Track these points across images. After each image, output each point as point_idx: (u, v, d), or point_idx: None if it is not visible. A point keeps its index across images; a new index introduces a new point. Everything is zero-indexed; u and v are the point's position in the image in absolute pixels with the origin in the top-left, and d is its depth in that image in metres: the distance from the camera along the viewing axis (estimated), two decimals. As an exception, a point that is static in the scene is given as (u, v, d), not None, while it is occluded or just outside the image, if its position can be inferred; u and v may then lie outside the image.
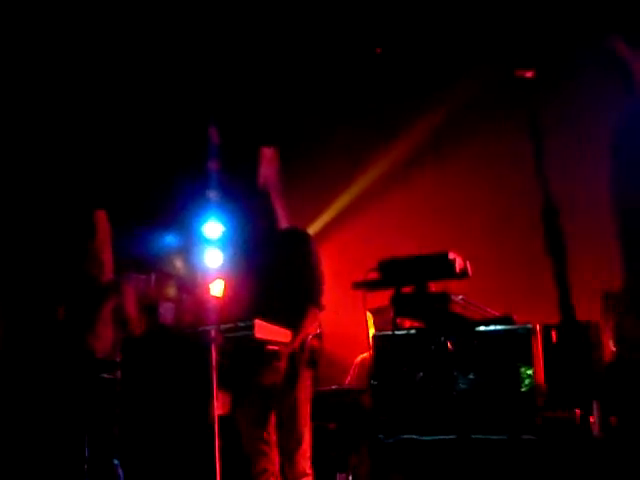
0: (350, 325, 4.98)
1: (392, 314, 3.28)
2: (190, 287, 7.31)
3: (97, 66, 6.06)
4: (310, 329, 3.74)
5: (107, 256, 4.55)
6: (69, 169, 6.28)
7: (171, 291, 7.29)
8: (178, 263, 7.48)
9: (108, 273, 4.54)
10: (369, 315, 5.27)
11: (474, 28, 5.98)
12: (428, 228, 6.53)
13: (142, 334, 4.25)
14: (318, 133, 7.12)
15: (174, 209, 7.17)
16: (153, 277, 4.73)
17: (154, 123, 6.77)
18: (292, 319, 3.64)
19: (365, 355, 5.94)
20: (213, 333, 3.25)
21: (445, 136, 6.72)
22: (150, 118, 6.73)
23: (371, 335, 5.47)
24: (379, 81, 6.78)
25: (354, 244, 6.71)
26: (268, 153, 3.81)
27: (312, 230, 6.40)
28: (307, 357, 3.72)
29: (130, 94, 6.45)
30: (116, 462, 3.82)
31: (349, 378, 5.96)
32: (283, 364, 3.57)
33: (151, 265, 6.50)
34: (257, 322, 3.33)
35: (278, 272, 3.73)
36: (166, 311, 6.84)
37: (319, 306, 3.74)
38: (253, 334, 3.31)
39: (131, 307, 4.39)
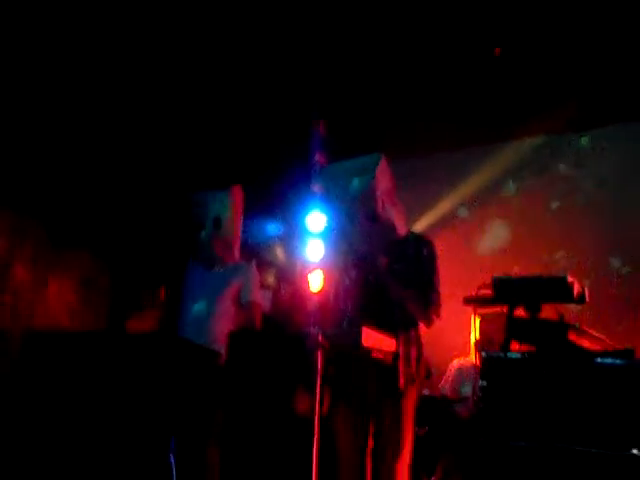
0: (449, 328, 4.91)
1: (504, 333, 3.19)
2: (289, 277, 7.40)
3: (203, 52, 6.13)
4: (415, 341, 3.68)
5: (236, 236, 4.57)
6: (181, 154, 6.41)
7: (270, 279, 7.38)
8: (279, 252, 7.53)
9: (235, 254, 4.55)
10: (476, 319, 5.21)
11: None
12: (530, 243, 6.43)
13: (248, 328, 4.24)
14: (422, 134, 7.05)
15: (278, 198, 7.21)
16: (253, 264, 4.72)
17: (262, 110, 6.81)
18: (403, 328, 3.58)
19: (462, 360, 5.87)
20: (320, 338, 3.20)
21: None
22: (257, 105, 6.77)
23: (474, 339, 5.44)
24: (494, 82, 6.63)
25: (453, 251, 6.63)
26: (383, 161, 3.74)
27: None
28: (423, 372, 3.67)
29: (237, 82, 6.51)
30: (172, 460, 3.85)
31: (443, 382, 5.89)
32: (390, 373, 3.52)
33: (251, 252, 6.51)
34: (365, 329, 3.27)
35: (394, 278, 3.66)
36: (264, 299, 6.91)
37: (437, 311, 3.68)
38: (360, 341, 3.25)
39: (256, 292, 4.40)
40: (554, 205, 6.73)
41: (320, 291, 6.95)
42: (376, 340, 3.38)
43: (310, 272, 7.08)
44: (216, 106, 6.58)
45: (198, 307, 4.43)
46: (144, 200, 6.12)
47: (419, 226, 6.95)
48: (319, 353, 3.21)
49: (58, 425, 3.56)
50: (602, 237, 6.31)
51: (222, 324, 4.34)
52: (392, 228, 3.73)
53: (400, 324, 3.61)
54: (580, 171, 6.69)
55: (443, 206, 7.14)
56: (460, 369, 5.82)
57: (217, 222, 4.50)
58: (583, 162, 6.68)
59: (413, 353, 3.66)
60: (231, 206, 4.57)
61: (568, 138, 6.74)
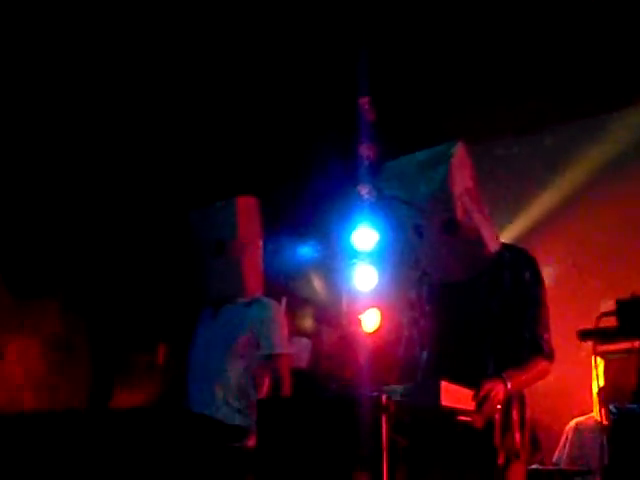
0: (561, 376, 4.86)
1: (638, 378, 3.14)
2: (333, 317, 7.43)
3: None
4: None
5: (254, 264, 4.59)
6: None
7: (307, 322, 7.42)
8: (316, 284, 7.57)
9: (252, 288, 4.57)
10: (598, 361, 5.17)
11: None
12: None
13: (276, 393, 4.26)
14: (505, 113, 7.06)
15: (311, 210, 7.28)
16: (283, 302, 4.76)
17: (285, 85, 6.87)
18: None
19: (582, 419, 5.81)
20: (384, 399, 3.17)
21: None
22: (279, 77, 6.83)
23: (596, 388, 5.39)
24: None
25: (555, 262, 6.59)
26: (460, 151, 3.72)
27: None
28: (529, 441, 3.63)
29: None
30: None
31: (558, 451, 5.85)
32: (484, 445, 3.48)
33: (280, 286, 6.56)
34: (444, 384, 3.24)
35: (487, 309, 3.67)
36: (300, 350, 6.94)
37: (551, 357, 3.67)
38: (438, 401, 3.22)
39: (282, 340, 4.46)
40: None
41: (377, 334, 6.95)
42: (462, 398, 3.35)
43: (361, 309, 7.10)
44: (218, 80, 6.66)
45: (210, 368, 4.46)
46: (129, 225, 6.16)
47: (507, 236, 6.89)
48: (383, 419, 3.18)
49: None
50: None
51: (245, 388, 4.36)
52: (478, 241, 3.70)
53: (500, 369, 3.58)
54: None
55: (539, 205, 7.08)
56: (579, 431, 5.77)
57: (220, 247, 4.53)
58: None
59: (514, 416, 3.64)
60: (239, 223, 4.60)
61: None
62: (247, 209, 4.68)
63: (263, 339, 4.42)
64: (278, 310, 4.55)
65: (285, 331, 4.51)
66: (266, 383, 4.41)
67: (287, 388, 4.37)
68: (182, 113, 6.50)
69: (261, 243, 4.70)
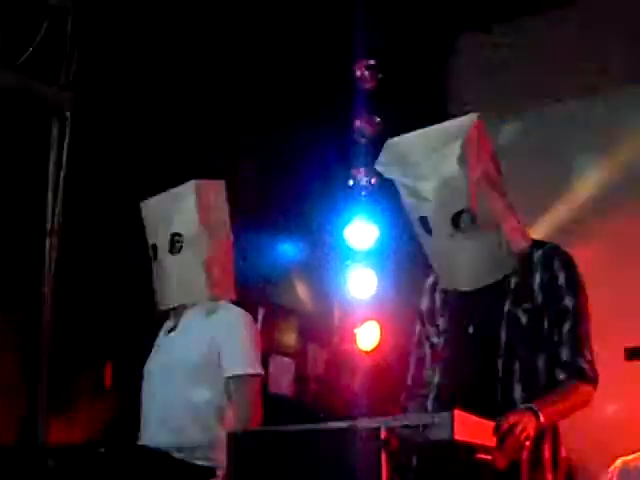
0: (603, 404, 4.89)
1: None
2: (321, 332, 7.46)
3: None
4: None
5: (220, 263, 4.59)
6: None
7: (289, 338, 7.43)
8: (301, 290, 7.58)
9: (220, 293, 4.57)
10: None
11: None
12: None
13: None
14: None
15: (294, 199, 7.27)
16: (261, 314, 4.78)
17: (264, 41, 6.85)
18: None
19: (630, 458, 5.83)
20: (384, 433, 3.18)
21: None
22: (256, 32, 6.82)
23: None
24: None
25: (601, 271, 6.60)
26: (478, 126, 3.72)
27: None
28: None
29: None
30: None
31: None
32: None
33: (257, 293, 6.58)
34: (458, 414, 3.24)
35: (513, 322, 3.69)
36: (280, 372, 6.97)
37: (594, 381, 3.67)
38: (451, 435, 3.22)
39: (251, 358, 4.47)
40: None
41: (376, 352, 6.95)
42: (480, 432, 3.35)
43: (357, 321, 7.10)
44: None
45: (168, 396, 4.46)
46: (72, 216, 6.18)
47: (539, 232, 6.91)
48: (382, 458, 3.19)
49: None
50: None
51: (209, 420, 4.36)
52: (500, 238, 3.71)
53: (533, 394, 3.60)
54: None
55: (579, 192, 7.11)
56: (627, 473, 5.78)
57: (175, 242, 4.54)
58: None
59: (546, 454, 3.64)
60: (200, 212, 4.60)
61: None
62: (209, 195, 4.68)
63: (226, 356, 4.41)
64: (247, 320, 4.53)
65: (256, 347, 4.50)
66: (230, 412, 4.40)
67: (256, 418, 4.36)
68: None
69: (230, 238, 4.70)
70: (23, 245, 5.55)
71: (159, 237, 4.62)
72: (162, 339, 4.68)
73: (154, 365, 4.61)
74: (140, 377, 4.62)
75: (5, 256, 5.80)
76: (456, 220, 3.66)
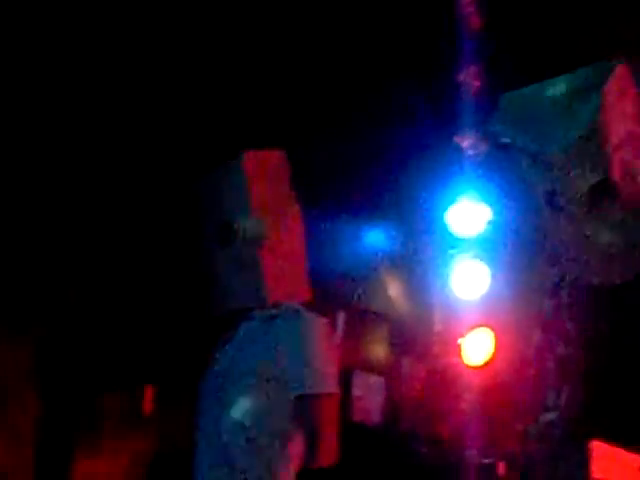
0: None
1: None
2: (419, 343, 7.44)
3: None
4: None
5: (285, 257, 4.52)
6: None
7: (378, 350, 7.48)
8: (393, 290, 7.59)
9: (285, 294, 4.50)
10: None
11: None
12: None
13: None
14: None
15: (382, 175, 7.29)
16: (341, 319, 4.79)
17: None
18: None
19: None
20: (502, 469, 3.20)
21: None
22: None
23: None
24: None
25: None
26: (621, 75, 3.69)
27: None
28: None
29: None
30: None
31: None
32: None
33: (335, 294, 6.60)
34: (596, 445, 3.24)
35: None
36: (367, 393, 7.02)
37: None
38: (587, 470, 3.22)
39: (325, 375, 4.41)
40: None
41: (488, 368, 6.91)
42: (624, 467, 3.37)
43: (464, 329, 7.13)
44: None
45: (224, 429, 4.47)
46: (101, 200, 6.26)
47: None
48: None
49: None
50: None
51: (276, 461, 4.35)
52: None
53: None
54: None
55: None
56: None
57: (227, 232, 4.52)
58: None
59: None
60: (253, 192, 4.57)
61: None
62: (265, 170, 4.66)
63: (290, 372, 4.38)
64: (320, 328, 4.49)
65: (331, 361, 4.46)
66: (298, 447, 4.37)
67: (332, 448, 4.32)
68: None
69: (299, 225, 4.67)
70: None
71: (210, 226, 4.63)
72: (220, 352, 4.68)
73: (212, 385, 4.62)
74: (186, 402, 4.65)
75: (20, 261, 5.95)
76: (595, 194, 3.66)
